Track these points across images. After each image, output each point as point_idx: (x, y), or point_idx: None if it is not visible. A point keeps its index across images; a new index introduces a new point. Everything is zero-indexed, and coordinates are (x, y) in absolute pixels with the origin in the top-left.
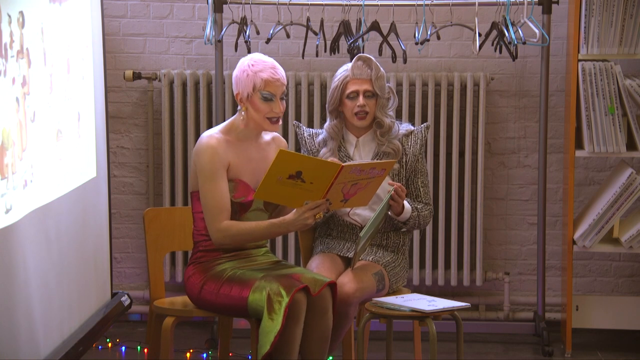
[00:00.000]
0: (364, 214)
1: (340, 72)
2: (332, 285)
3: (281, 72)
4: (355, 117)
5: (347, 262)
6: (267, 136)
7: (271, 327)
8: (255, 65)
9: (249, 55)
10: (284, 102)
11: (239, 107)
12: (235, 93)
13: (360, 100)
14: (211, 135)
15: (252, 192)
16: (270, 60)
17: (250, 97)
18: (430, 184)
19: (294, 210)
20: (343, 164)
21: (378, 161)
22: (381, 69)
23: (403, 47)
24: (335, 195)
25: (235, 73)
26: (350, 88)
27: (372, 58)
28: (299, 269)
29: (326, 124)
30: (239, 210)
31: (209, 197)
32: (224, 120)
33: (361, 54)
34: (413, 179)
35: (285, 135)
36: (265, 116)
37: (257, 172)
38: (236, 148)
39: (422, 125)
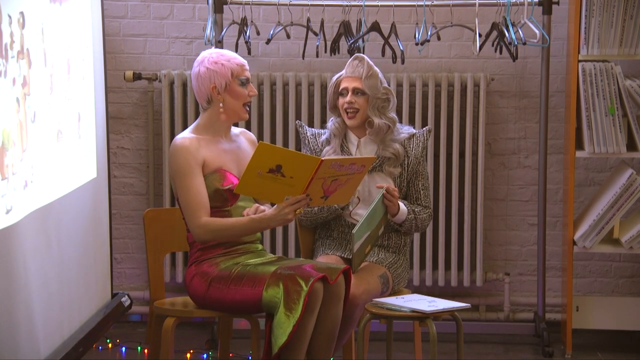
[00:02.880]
0: (365, 213)
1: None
2: (346, 272)
3: None
4: (346, 115)
5: (349, 264)
6: (235, 131)
7: (287, 320)
8: (223, 56)
9: (205, 52)
10: None
11: (203, 106)
12: (210, 87)
13: (348, 97)
14: (183, 136)
15: (237, 180)
16: (226, 51)
17: (229, 86)
18: (430, 186)
19: (275, 205)
20: (323, 158)
21: (358, 157)
22: (375, 68)
23: (401, 48)
24: (315, 191)
25: (203, 68)
26: (342, 85)
27: (366, 57)
28: (309, 260)
29: (329, 122)
30: (229, 198)
31: (186, 194)
32: None
33: (357, 54)
34: (414, 181)
35: (286, 133)
36: (243, 102)
37: (236, 161)
38: (208, 143)
39: (424, 129)
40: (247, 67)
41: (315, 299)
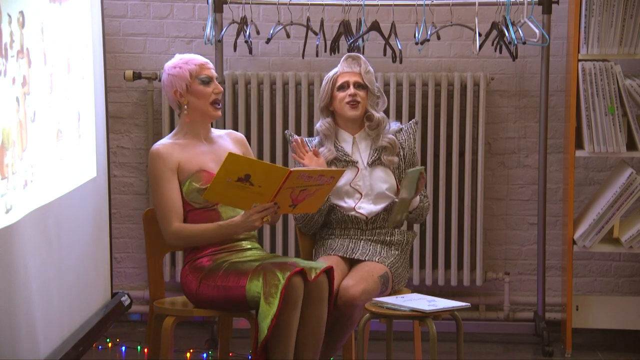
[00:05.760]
0: (369, 207)
1: (330, 72)
2: (329, 272)
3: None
4: (347, 106)
5: (351, 264)
6: (218, 132)
7: (268, 311)
8: (182, 59)
9: (170, 61)
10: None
11: (177, 113)
12: (172, 92)
13: (351, 89)
14: (159, 143)
15: None
16: (189, 54)
17: (190, 87)
18: (427, 181)
19: (242, 212)
20: (291, 169)
21: (327, 169)
22: (369, 66)
23: (400, 47)
24: (283, 200)
25: (165, 75)
26: (341, 80)
27: (361, 56)
28: (294, 258)
29: (318, 125)
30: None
31: (158, 200)
32: (224, 120)
33: (350, 53)
34: None
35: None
36: (209, 101)
37: (218, 161)
38: (185, 147)
39: (410, 122)
40: (208, 65)
41: (293, 293)
